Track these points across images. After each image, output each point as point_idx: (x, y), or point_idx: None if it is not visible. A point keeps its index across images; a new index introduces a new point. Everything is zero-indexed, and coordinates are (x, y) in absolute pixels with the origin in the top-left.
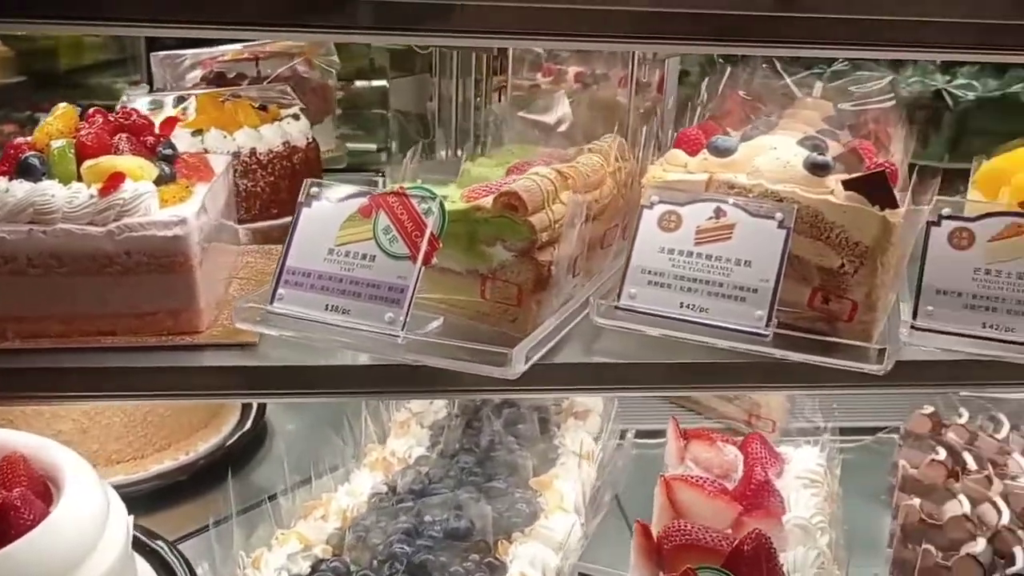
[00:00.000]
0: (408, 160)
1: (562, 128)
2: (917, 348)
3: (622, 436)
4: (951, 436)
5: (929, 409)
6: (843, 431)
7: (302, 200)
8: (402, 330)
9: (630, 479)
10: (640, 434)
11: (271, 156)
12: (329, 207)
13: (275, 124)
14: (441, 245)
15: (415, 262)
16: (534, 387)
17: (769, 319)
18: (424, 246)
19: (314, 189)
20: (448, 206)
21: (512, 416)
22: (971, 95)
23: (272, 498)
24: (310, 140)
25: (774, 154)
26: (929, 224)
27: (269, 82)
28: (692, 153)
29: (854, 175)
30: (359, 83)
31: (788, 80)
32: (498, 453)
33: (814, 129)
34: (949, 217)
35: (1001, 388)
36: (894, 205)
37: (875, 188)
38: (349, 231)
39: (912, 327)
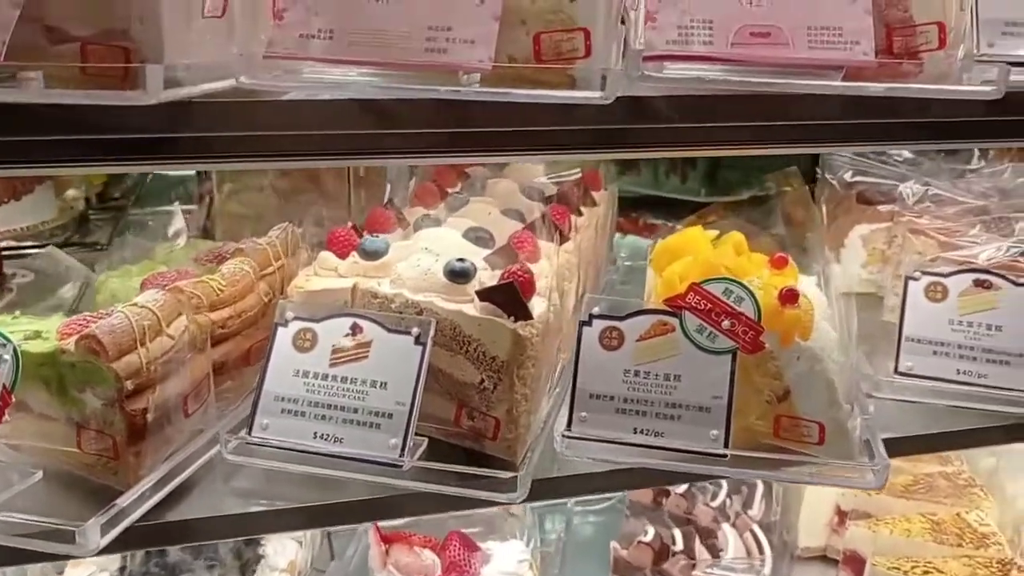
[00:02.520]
0: None
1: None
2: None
3: None
4: (671, 504)
5: None
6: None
7: None
8: None
9: None
10: None
11: None
12: None
13: None
14: (13, 400)
15: None
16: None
17: (404, 447)
18: None
19: None
20: (37, 346)
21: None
22: None
23: None
24: None
25: (416, 260)
26: (581, 324)
27: None
28: (342, 255)
29: (485, 286)
30: None
31: None
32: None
33: (503, 206)
34: (600, 316)
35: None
36: (526, 316)
37: (508, 298)
38: None
39: (565, 436)
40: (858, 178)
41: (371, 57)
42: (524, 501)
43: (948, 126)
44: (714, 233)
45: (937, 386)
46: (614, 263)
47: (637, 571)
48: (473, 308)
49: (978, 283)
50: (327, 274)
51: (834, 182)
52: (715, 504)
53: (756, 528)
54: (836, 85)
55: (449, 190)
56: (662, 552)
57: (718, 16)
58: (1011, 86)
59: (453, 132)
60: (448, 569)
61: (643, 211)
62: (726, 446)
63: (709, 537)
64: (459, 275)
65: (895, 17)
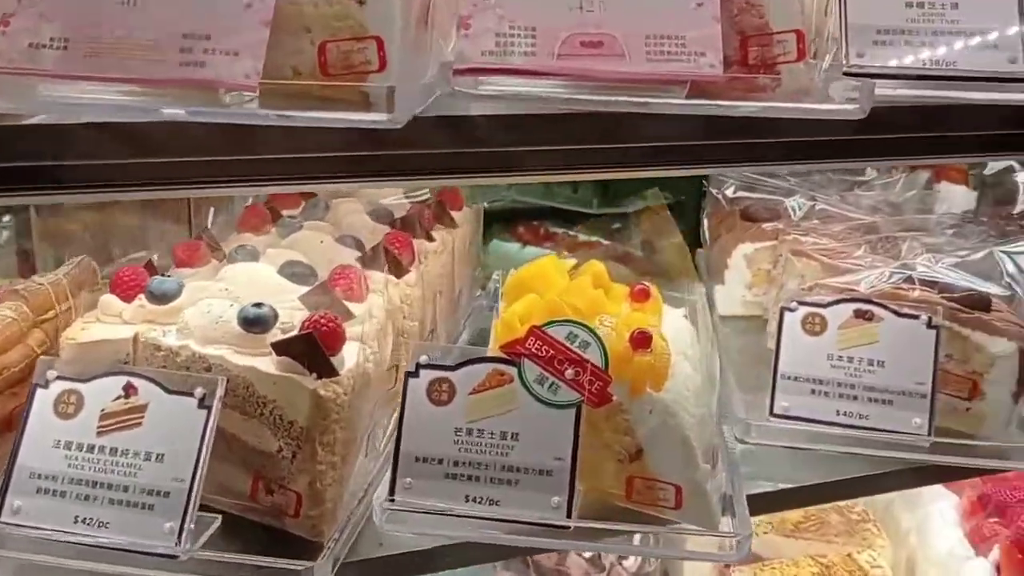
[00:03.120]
0: None
1: None
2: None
3: None
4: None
5: None
6: None
7: None
8: None
9: None
10: None
11: None
12: None
13: None
14: None
15: None
16: None
17: (182, 533)
18: None
19: None
20: None
21: None
22: None
23: None
24: None
25: (206, 304)
26: (407, 376)
27: None
28: (127, 299)
29: (283, 337)
30: None
31: None
32: None
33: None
34: (428, 366)
35: None
36: (330, 372)
37: (306, 351)
38: None
39: (387, 507)
40: (742, 193)
41: (111, 72)
42: None
43: (810, 145)
44: (571, 263)
45: (815, 429)
46: (483, 287)
47: None
48: (269, 363)
49: (859, 314)
50: (111, 321)
51: (719, 197)
52: (588, 555)
53: None
54: (674, 103)
55: (286, 212)
56: None
57: (542, 23)
58: (881, 101)
59: (229, 160)
60: None
61: (544, 219)
62: (569, 515)
63: None
64: (254, 323)
65: (750, 24)
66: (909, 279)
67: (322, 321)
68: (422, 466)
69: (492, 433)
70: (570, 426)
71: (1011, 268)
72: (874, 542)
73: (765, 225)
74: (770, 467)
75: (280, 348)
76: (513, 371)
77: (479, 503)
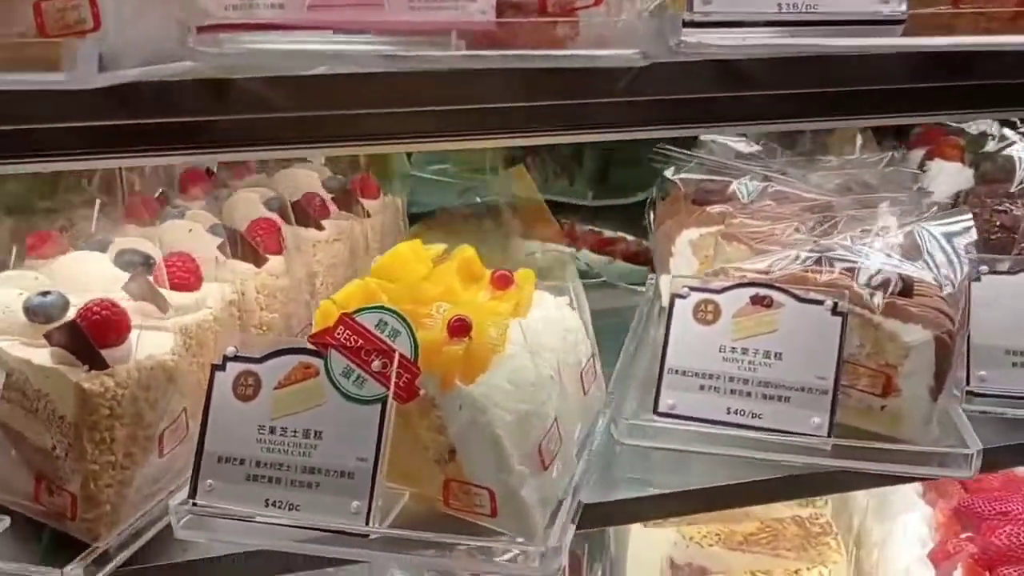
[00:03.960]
0: None
1: None
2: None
3: None
4: None
5: None
6: None
7: None
8: None
9: None
10: None
11: None
12: None
13: None
14: None
15: None
16: None
17: None
18: None
19: None
20: None
21: None
22: None
23: None
24: None
25: None
26: (213, 368)
27: None
28: None
29: (50, 327)
30: None
31: None
32: None
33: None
34: (235, 359)
35: None
36: (100, 365)
37: (73, 342)
38: None
39: (182, 511)
40: (687, 175)
41: None
42: None
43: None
44: (440, 248)
45: (703, 429)
46: None
47: None
48: (45, 355)
49: (756, 300)
50: None
51: (679, 179)
52: None
53: None
54: (442, 56)
55: (180, 202)
56: None
57: None
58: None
59: None
60: None
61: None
62: (369, 522)
63: None
64: (36, 313)
65: None
66: (820, 261)
67: (94, 310)
68: (225, 467)
69: (295, 431)
70: (375, 423)
71: (930, 247)
72: (829, 558)
73: (710, 208)
74: (662, 470)
75: (49, 338)
76: (319, 363)
77: (279, 507)
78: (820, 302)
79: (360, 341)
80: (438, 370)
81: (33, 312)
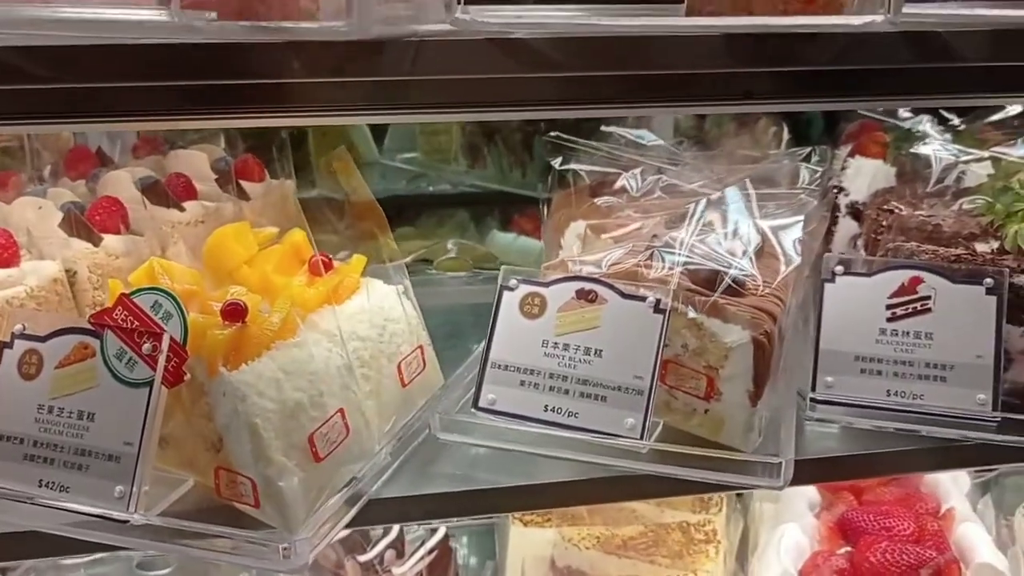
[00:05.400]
0: None
1: None
2: None
3: None
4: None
5: None
6: None
7: None
8: None
9: None
10: None
11: None
12: None
13: None
14: None
15: None
16: None
17: None
18: None
19: None
20: None
21: None
22: None
23: None
24: None
25: None
26: (2, 345)
27: None
28: None
29: None
30: None
31: None
32: None
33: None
34: (22, 336)
35: None
36: None
37: None
38: None
39: None
40: (577, 166)
41: None
42: None
43: None
44: (272, 231)
45: (518, 427)
46: None
47: None
48: None
49: (581, 294)
50: None
51: (571, 169)
52: (364, 558)
53: None
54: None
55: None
56: None
57: None
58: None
59: None
60: None
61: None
62: (129, 507)
63: None
64: None
65: None
66: (653, 255)
67: None
68: (4, 446)
69: (70, 412)
70: (142, 407)
71: (767, 245)
72: (702, 566)
73: (597, 200)
74: (486, 467)
75: None
76: (97, 344)
77: (51, 489)
78: (643, 299)
79: (135, 323)
80: (204, 355)
81: None
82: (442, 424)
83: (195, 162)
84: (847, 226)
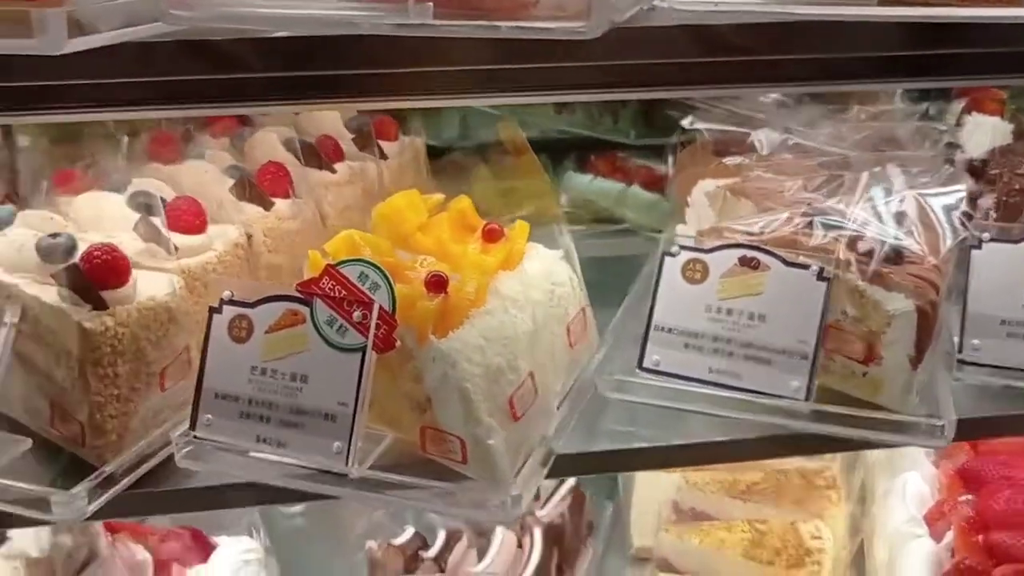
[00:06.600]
0: None
1: None
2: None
3: None
4: None
5: None
6: None
7: None
8: None
9: None
10: None
11: None
12: None
13: None
14: None
15: None
16: None
17: None
18: None
19: None
20: None
21: None
22: None
23: None
24: None
25: (16, 234)
26: (211, 311)
27: None
28: None
29: (56, 268)
30: None
31: None
32: None
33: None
34: (231, 303)
35: None
36: (100, 306)
37: (75, 283)
38: None
39: (184, 442)
40: (708, 125)
41: None
42: (91, 518)
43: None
44: (438, 198)
45: (682, 386)
46: None
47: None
48: (53, 293)
49: (744, 261)
50: None
51: (700, 128)
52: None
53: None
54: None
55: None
56: (413, 557)
57: None
58: None
59: None
60: (160, 567)
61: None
62: (348, 462)
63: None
64: (47, 253)
65: None
66: (812, 224)
67: (95, 254)
68: (221, 403)
69: (283, 374)
70: (355, 370)
71: (925, 215)
72: (827, 511)
73: (727, 160)
74: (647, 424)
75: (56, 278)
76: (306, 311)
77: (268, 444)
78: (806, 267)
79: (343, 292)
80: (414, 323)
81: (43, 252)
82: (609, 384)
83: (329, 122)
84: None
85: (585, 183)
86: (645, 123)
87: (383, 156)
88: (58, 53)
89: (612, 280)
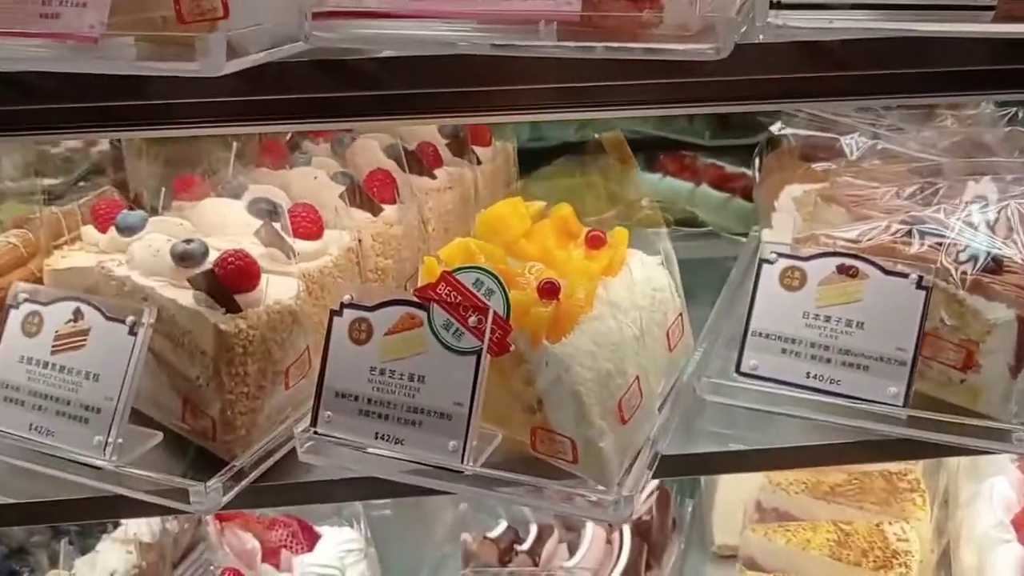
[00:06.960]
0: None
1: None
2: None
3: None
4: None
5: None
6: None
7: None
8: None
9: None
10: None
11: None
12: None
13: None
14: None
15: None
16: None
17: (108, 446)
18: None
19: None
20: None
21: None
22: None
23: None
24: None
25: (150, 239)
26: (332, 314)
27: None
28: (103, 230)
29: (193, 272)
30: None
31: None
32: None
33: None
34: (351, 306)
35: None
36: (235, 309)
37: (211, 287)
38: None
39: (306, 438)
40: (795, 130)
41: None
42: (222, 509)
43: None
44: (539, 205)
45: (779, 390)
46: None
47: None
48: (189, 296)
49: (842, 269)
50: (90, 250)
51: (787, 133)
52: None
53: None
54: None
55: (309, 144)
56: (507, 550)
57: None
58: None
59: None
60: (269, 553)
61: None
62: (463, 460)
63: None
64: (182, 258)
65: None
66: (910, 232)
67: (230, 260)
68: (341, 401)
69: (401, 374)
70: (471, 373)
71: (1015, 223)
72: (912, 514)
73: (816, 165)
74: (743, 427)
75: (193, 283)
76: (423, 315)
77: (386, 441)
78: (905, 275)
79: (459, 297)
80: (527, 328)
81: (179, 257)
82: (707, 387)
83: (425, 128)
84: None
85: (654, 182)
86: (720, 125)
87: (478, 162)
88: (218, 75)
89: (690, 280)
